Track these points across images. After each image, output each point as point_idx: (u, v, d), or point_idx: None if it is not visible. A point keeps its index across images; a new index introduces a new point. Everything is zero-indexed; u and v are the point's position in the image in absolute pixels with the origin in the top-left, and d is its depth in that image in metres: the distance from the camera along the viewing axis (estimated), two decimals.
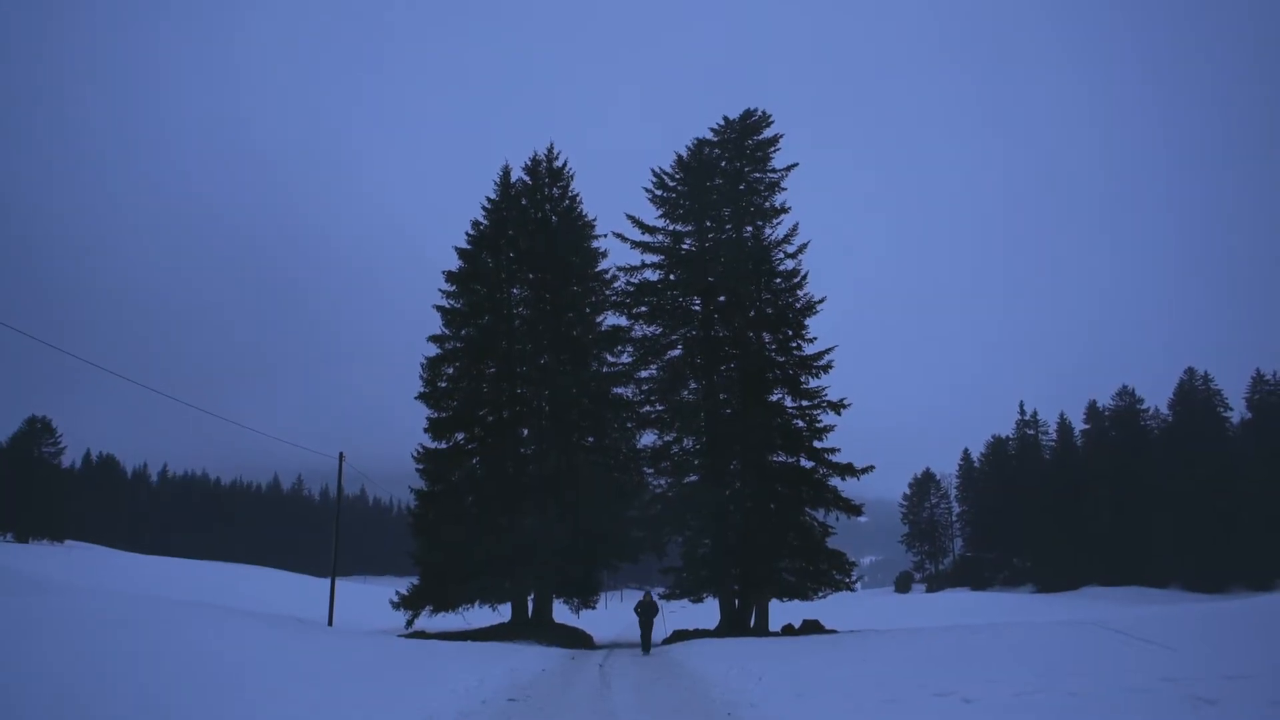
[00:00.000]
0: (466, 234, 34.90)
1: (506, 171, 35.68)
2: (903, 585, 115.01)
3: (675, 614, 38.39)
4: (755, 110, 35.05)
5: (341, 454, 34.52)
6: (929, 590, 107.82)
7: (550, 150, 36.35)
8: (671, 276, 35.02)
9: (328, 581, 39.37)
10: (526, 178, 35.88)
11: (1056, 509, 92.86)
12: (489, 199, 35.38)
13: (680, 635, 31.14)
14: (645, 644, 25.81)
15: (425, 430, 33.07)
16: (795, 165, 34.77)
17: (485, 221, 35.03)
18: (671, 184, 35.22)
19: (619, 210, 35.42)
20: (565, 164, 36.31)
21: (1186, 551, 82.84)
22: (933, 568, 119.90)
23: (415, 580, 32.73)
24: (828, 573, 32.15)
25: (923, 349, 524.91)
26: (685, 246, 35.01)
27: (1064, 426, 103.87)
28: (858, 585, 39.35)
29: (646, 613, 26.04)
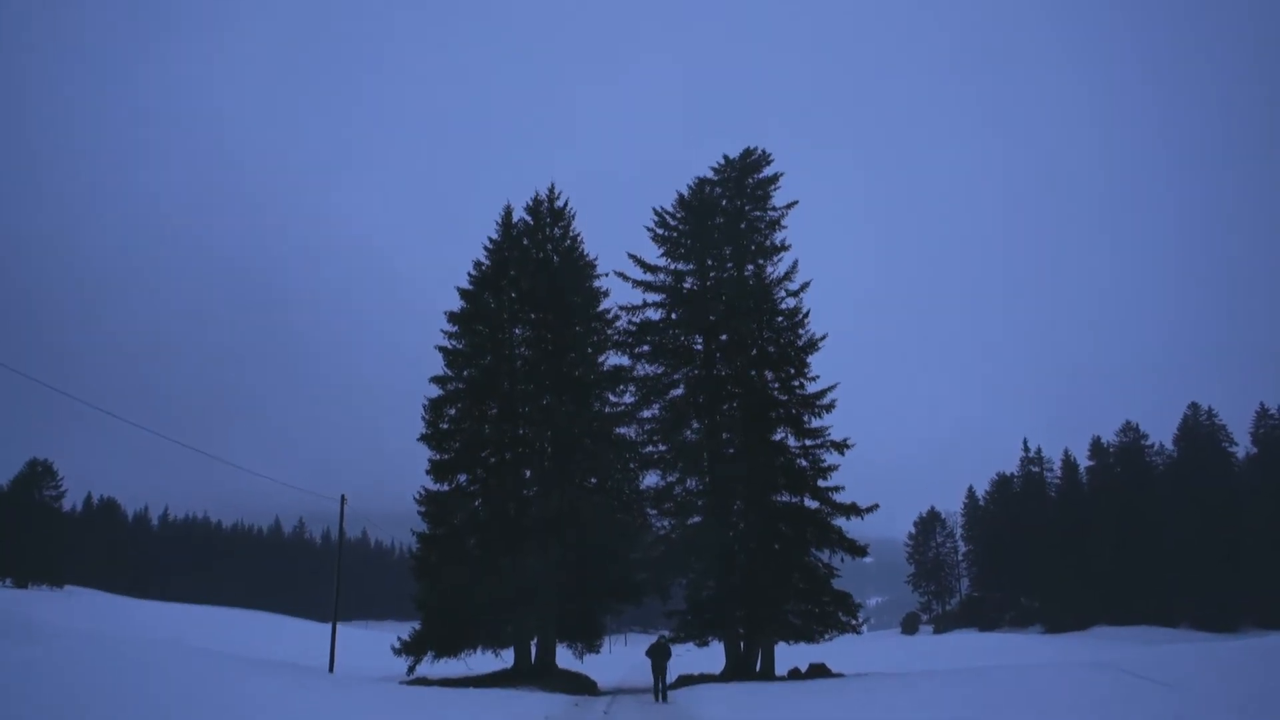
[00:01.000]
0: (468, 274, 34.98)
1: (508, 211, 35.84)
2: (909, 626, 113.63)
3: (680, 658, 37.71)
4: (755, 149, 35.32)
5: (343, 496, 34.21)
6: (936, 631, 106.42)
7: (551, 190, 36.59)
8: (673, 315, 34.96)
9: (328, 627, 38.84)
10: (528, 218, 36.03)
11: (1063, 546, 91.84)
12: (491, 239, 35.50)
13: (685, 680, 30.63)
14: (656, 689, 25.14)
15: (427, 472, 32.85)
16: (795, 203, 35.01)
17: (487, 261, 35.11)
18: (673, 223, 35.34)
19: (619, 238, 35.70)
20: (566, 204, 36.56)
21: (1194, 588, 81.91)
22: (939, 608, 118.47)
23: (417, 626, 32.28)
24: (833, 614, 31.64)
25: (925, 385, 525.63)
26: (687, 285, 35.04)
27: (1068, 463, 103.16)
28: (864, 627, 38.84)
29: (658, 655, 25.38)
